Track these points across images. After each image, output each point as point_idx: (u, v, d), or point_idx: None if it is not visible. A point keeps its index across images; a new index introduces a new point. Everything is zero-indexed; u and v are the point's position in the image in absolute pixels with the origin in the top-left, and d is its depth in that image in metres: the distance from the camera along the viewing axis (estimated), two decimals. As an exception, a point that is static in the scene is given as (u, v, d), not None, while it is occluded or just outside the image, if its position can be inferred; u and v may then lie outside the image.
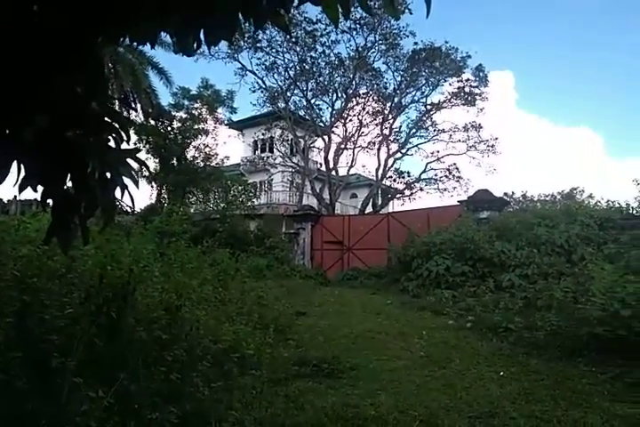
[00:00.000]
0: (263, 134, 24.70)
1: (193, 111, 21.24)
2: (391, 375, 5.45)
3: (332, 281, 15.47)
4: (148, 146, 19.92)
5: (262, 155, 27.67)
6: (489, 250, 11.09)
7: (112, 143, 1.56)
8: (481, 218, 13.34)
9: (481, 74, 21.51)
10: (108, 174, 1.54)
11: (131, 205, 3.25)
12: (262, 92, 23.06)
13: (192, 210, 20.31)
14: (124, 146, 1.60)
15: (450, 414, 4.31)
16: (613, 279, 6.50)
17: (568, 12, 48.85)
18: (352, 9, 1.68)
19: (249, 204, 20.00)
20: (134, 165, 1.63)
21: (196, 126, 20.90)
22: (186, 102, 21.34)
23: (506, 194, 32.66)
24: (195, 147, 21.24)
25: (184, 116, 21.10)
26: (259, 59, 21.92)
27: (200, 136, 21.20)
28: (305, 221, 17.95)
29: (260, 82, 22.74)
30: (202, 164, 21.06)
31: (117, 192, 1.59)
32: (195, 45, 1.54)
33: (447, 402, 4.61)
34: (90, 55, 1.46)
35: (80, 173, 1.47)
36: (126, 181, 1.59)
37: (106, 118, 1.54)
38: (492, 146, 22.14)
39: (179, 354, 3.59)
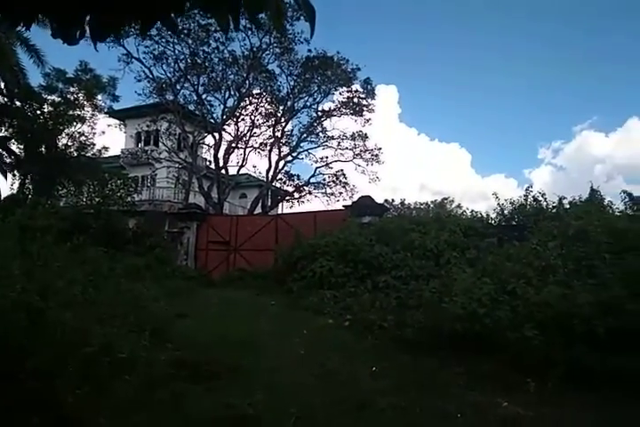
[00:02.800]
0: (148, 126, 23.31)
1: (68, 96, 19.31)
2: (271, 375, 5.50)
3: (216, 282, 15.10)
4: (11, 129, 17.62)
5: (146, 148, 26.08)
6: (369, 253, 11.71)
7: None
8: (363, 222, 14.03)
9: (369, 86, 22.75)
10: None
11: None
12: (149, 82, 21.78)
13: (62, 203, 18.42)
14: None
15: (326, 409, 4.48)
16: (472, 281, 7.29)
17: (451, 33, 53.99)
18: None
19: (128, 199, 18.70)
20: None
21: (70, 112, 19.02)
22: (60, 85, 19.32)
23: (386, 201, 34.95)
24: (68, 134, 19.33)
25: (57, 99, 19.07)
26: (146, 47, 20.66)
27: (75, 123, 19.36)
28: (190, 220, 17.30)
29: (146, 71, 21.44)
30: (76, 153, 19.21)
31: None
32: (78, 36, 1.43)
33: (324, 398, 4.79)
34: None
35: None
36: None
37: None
38: (376, 155, 23.53)
39: (40, 360, 3.23)
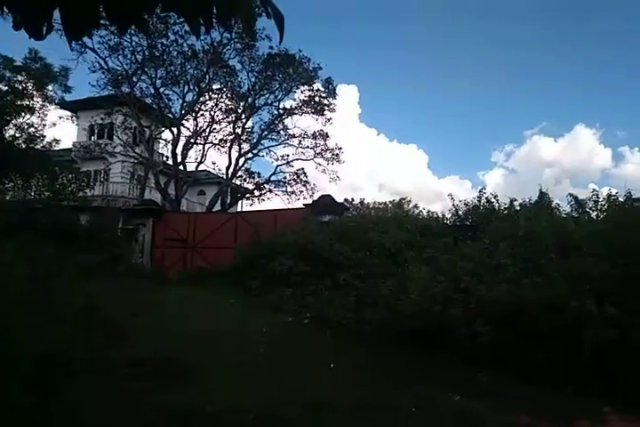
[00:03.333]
0: (102, 119, 22.45)
1: (16, 85, 18.31)
2: (230, 373, 5.49)
3: (173, 281, 14.78)
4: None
5: (100, 141, 25.14)
6: (329, 251, 11.81)
7: None
8: (323, 221, 14.13)
9: (330, 86, 22.83)
10: None
11: None
12: (104, 73, 20.96)
13: (8, 197, 17.49)
14: None
15: (284, 406, 4.52)
16: (428, 279, 7.52)
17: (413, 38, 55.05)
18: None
19: (80, 194, 17.98)
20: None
21: (18, 102, 18.05)
22: (8, 74, 18.29)
23: (346, 200, 35.28)
24: (16, 125, 18.33)
25: (4, 88, 18.07)
26: (102, 37, 19.89)
27: (24, 114, 18.38)
28: (146, 217, 16.83)
29: (101, 62, 20.64)
30: (24, 145, 18.27)
31: None
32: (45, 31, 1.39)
33: (282, 395, 4.83)
34: None
35: None
36: None
37: None
38: (337, 155, 23.67)
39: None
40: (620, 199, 10.19)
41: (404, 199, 40.48)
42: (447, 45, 58.06)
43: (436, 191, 64.88)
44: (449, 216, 14.63)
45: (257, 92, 22.39)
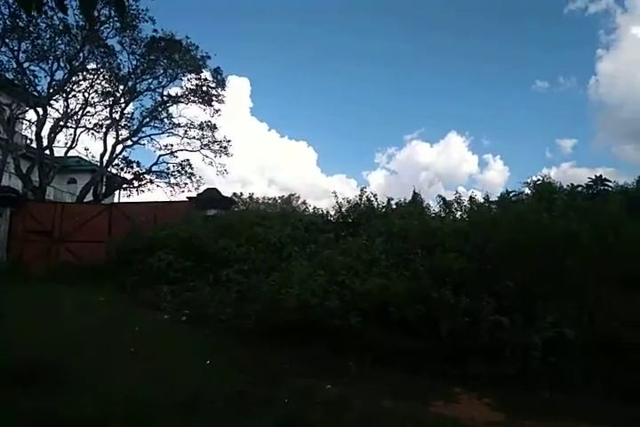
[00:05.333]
0: (-50, 93, 19.29)
1: None
2: (100, 374, 5.13)
3: (36, 277, 13.27)
4: None
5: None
6: (213, 246, 11.57)
7: None
8: (208, 215, 13.79)
9: (219, 76, 22.13)
10: None
11: None
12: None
13: None
14: None
15: (154, 408, 4.34)
16: (308, 273, 7.75)
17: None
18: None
19: None
20: None
21: None
22: None
23: (235, 194, 34.71)
24: None
25: None
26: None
27: None
28: (3, 206, 14.95)
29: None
30: None
31: None
32: None
33: (155, 395, 4.63)
34: None
35: None
36: None
37: None
38: (225, 147, 23.09)
39: None
40: (480, 201, 11.57)
41: (293, 195, 41.19)
42: (343, 46, 59.94)
43: (325, 188, 67.02)
44: (333, 213, 15.27)
45: (138, 75, 20.90)
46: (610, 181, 10.89)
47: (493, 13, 51.52)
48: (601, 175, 10.90)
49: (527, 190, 11.30)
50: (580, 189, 10.66)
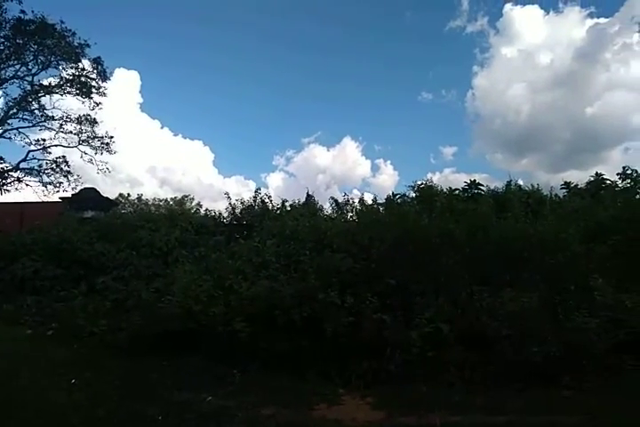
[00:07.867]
0: None
1: None
2: None
3: None
4: None
5: None
6: (88, 251, 10.56)
7: None
8: (85, 217, 12.58)
9: (99, 67, 20.24)
10: None
11: None
12: None
13: None
14: None
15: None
16: (193, 279, 7.32)
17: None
18: None
19: None
20: None
21: None
22: None
23: (121, 195, 32.39)
24: None
25: None
26: None
27: None
28: None
29: None
30: None
31: None
32: None
33: (6, 421, 4.00)
34: None
35: None
36: None
37: None
38: (107, 144, 21.22)
39: None
40: (369, 203, 11.99)
41: (187, 197, 39.30)
42: (240, 47, 58.68)
43: (222, 190, 64.89)
44: (226, 215, 14.81)
45: (3, 60, 18.50)
46: (483, 186, 11.88)
47: (380, 32, 54.32)
48: (475, 180, 11.84)
49: (412, 193, 11.94)
50: (457, 192, 11.47)
